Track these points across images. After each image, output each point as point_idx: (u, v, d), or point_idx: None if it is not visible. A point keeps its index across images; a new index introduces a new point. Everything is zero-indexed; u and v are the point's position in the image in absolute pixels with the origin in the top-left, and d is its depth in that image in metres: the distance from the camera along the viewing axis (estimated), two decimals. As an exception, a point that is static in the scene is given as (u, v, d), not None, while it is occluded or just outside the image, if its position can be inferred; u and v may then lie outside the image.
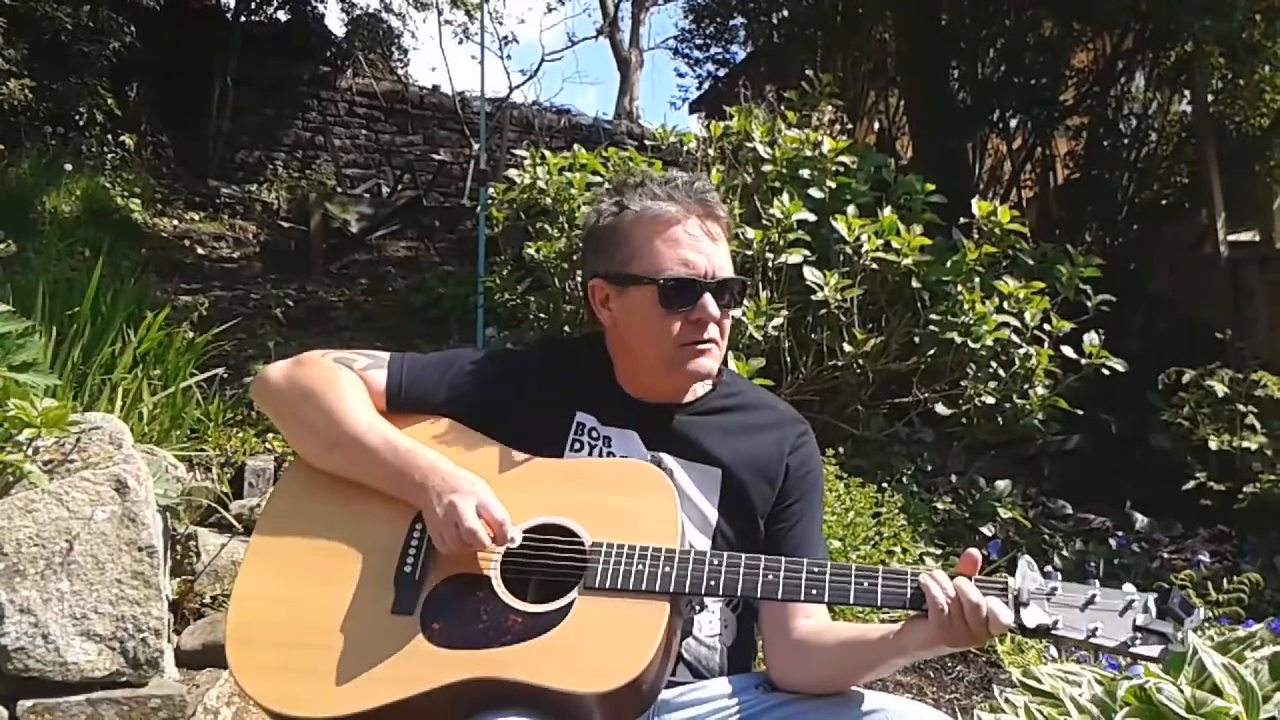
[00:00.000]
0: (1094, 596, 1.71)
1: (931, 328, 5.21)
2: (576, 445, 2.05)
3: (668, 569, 1.81)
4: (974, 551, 1.80)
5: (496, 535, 1.84)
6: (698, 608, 2.02)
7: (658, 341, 2.01)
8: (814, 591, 1.81)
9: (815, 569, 1.82)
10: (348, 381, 2.03)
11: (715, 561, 1.83)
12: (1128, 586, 1.74)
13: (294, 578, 1.90)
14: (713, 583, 1.82)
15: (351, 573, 1.88)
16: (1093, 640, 1.68)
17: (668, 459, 2.04)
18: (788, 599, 1.84)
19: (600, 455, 2.04)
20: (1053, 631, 1.70)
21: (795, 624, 1.97)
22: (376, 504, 1.94)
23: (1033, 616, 1.70)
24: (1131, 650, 1.67)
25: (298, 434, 2.05)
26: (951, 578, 1.76)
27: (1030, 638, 1.79)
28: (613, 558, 1.83)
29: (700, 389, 2.14)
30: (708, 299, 1.99)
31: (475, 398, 2.07)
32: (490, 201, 6.30)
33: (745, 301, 4.79)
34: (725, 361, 2.22)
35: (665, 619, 1.78)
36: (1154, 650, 1.67)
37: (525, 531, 1.88)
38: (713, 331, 2.02)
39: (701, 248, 2.02)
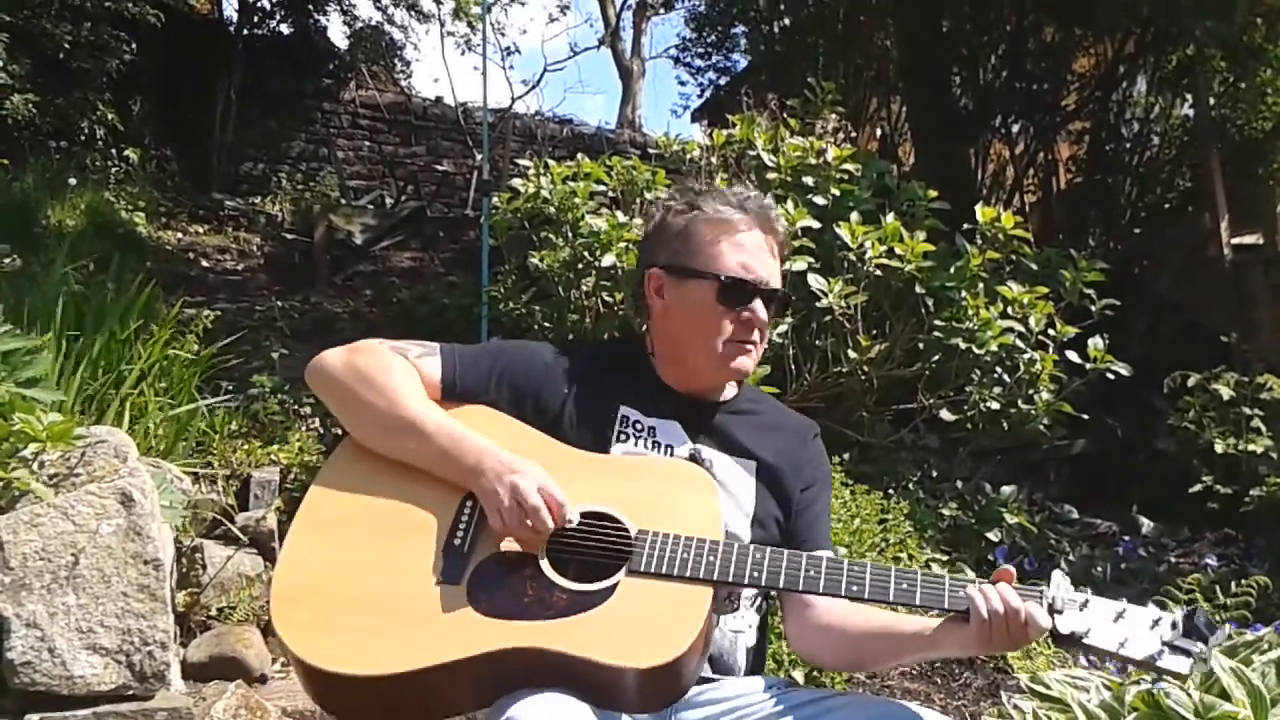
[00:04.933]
0: (1124, 611, 1.76)
1: (936, 334, 5.20)
2: (622, 437, 2.12)
3: (712, 558, 1.87)
4: (1009, 568, 1.86)
5: (556, 515, 1.88)
6: (733, 607, 2.07)
7: (709, 335, 2.14)
8: (855, 588, 1.85)
9: (855, 569, 1.87)
10: (403, 369, 2.09)
11: (758, 555, 1.89)
12: (1152, 605, 1.79)
13: (343, 545, 1.92)
14: (755, 574, 1.87)
15: (400, 543, 1.92)
16: (1122, 651, 1.73)
17: (706, 450, 2.13)
18: (828, 594, 1.89)
19: (646, 445, 2.11)
20: (1084, 640, 1.75)
21: (822, 608, 2.06)
22: (425, 484, 1.98)
23: (1066, 623, 1.76)
24: (1158, 664, 1.71)
25: (354, 418, 2.09)
26: (993, 582, 1.82)
27: (1062, 646, 1.84)
28: (658, 545, 1.88)
29: (730, 390, 2.26)
30: (758, 303, 2.14)
31: (525, 390, 2.15)
32: (494, 211, 6.30)
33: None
34: None
35: (709, 604, 1.82)
36: (1182, 665, 1.71)
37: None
38: (757, 335, 2.16)
39: (761, 257, 2.17)
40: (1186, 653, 1.70)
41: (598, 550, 1.89)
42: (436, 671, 1.75)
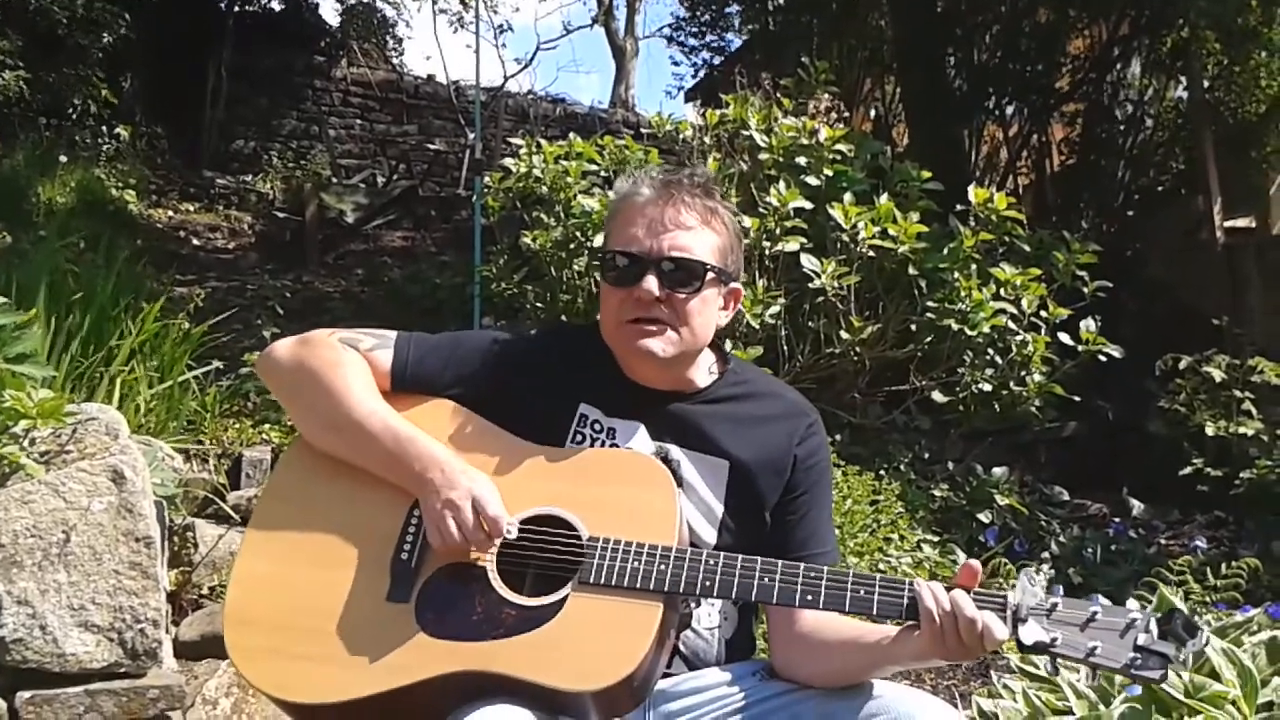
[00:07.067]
0: (1095, 614, 1.70)
1: (928, 315, 5.21)
2: (579, 437, 2.03)
3: (663, 568, 1.80)
4: (974, 563, 1.78)
5: (493, 532, 1.83)
6: (696, 603, 2.00)
7: (608, 318, 2.04)
8: (809, 598, 1.79)
9: (812, 574, 1.80)
10: (352, 363, 2.01)
11: (711, 562, 1.82)
12: (1131, 604, 1.73)
13: (292, 560, 1.90)
14: (708, 584, 1.81)
15: (349, 558, 1.89)
16: (1092, 660, 1.67)
17: (674, 450, 2.02)
18: (782, 604, 1.83)
19: (603, 447, 2.02)
20: (1051, 649, 1.69)
21: (799, 616, 1.96)
22: (376, 489, 1.94)
23: (1030, 633, 1.69)
24: (1132, 672, 1.66)
25: (300, 414, 2.05)
26: (950, 589, 1.74)
27: (1028, 654, 1.77)
28: (609, 554, 1.82)
29: (704, 379, 2.11)
30: (649, 279, 1.96)
31: (480, 382, 2.06)
32: (486, 191, 6.29)
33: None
34: (725, 349, 2.21)
35: (658, 618, 1.78)
36: (1155, 673, 1.65)
37: (523, 521, 1.87)
38: (657, 311, 1.97)
39: (654, 228, 2.00)
40: (1162, 658, 1.64)
41: (550, 558, 1.85)
42: (388, 696, 1.75)
